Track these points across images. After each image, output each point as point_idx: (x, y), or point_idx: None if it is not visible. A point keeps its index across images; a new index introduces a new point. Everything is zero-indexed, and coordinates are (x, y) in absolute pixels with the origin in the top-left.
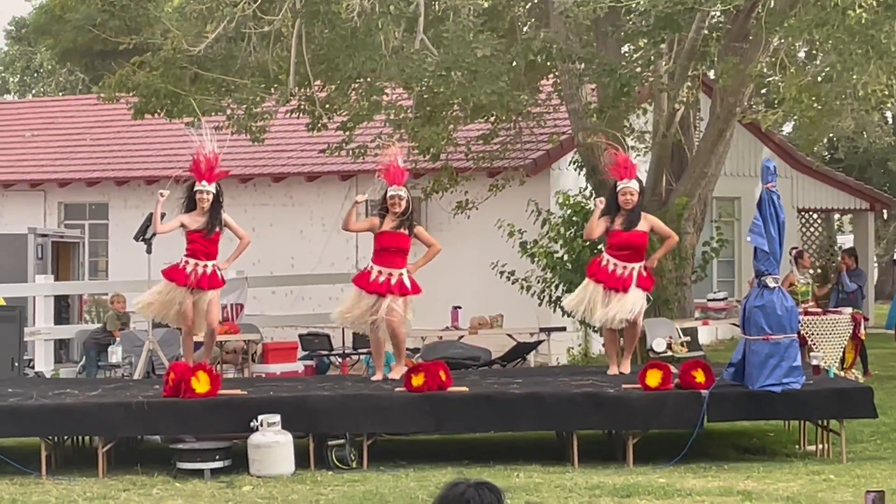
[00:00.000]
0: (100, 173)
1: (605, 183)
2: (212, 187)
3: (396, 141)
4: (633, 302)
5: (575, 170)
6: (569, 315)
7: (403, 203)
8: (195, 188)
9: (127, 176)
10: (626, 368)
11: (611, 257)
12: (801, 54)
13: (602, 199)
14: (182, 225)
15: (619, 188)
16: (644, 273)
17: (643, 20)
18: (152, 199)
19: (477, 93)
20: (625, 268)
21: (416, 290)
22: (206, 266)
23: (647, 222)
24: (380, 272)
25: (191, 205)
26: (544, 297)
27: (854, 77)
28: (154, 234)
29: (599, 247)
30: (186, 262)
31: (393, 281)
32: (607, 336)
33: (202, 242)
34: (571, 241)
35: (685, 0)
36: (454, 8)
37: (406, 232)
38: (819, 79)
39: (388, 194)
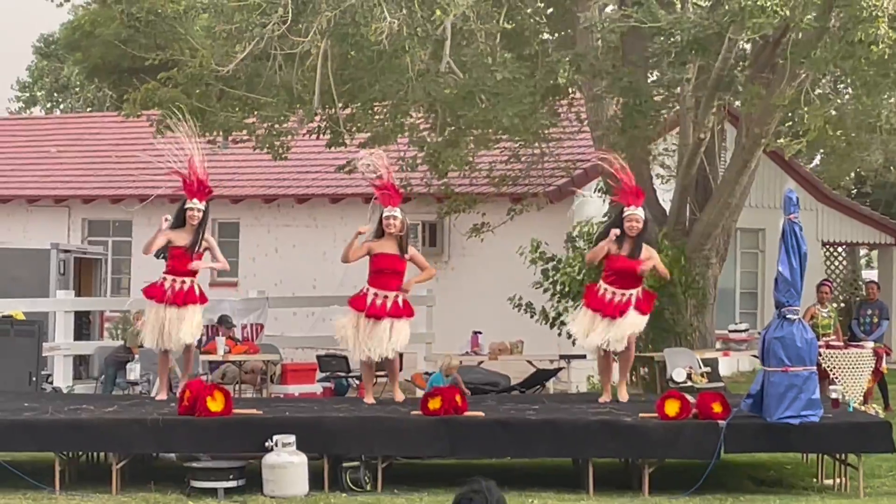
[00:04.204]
0: (124, 190)
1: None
2: (202, 205)
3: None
4: (631, 325)
5: (599, 197)
6: (572, 341)
7: (398, 224)
8: (186, 205)
9: (151, 193)
10: (624, 396)
11: (607, 285)
12: (828, 87)
13: (617, 230)
14: (168, 241)
15: (625, 214)
16: (641, 297)
17: (669, 41)
18: None
19: (500, 115)
20: (623, 294)
21: (409, 312)
22: (183, 282)
23: (647, 252)
24: (376, 294)
25: (179, 222)
26: (561, 327)
27: (881, 110)
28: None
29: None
30: (164, 279)
31: (388, 304)
32: (601, 363)
33: (183, 260)
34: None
35: (712, 25)
36: (472, 32)
37: (401, 254)
38: (845, 111)
39: (384, 215)
